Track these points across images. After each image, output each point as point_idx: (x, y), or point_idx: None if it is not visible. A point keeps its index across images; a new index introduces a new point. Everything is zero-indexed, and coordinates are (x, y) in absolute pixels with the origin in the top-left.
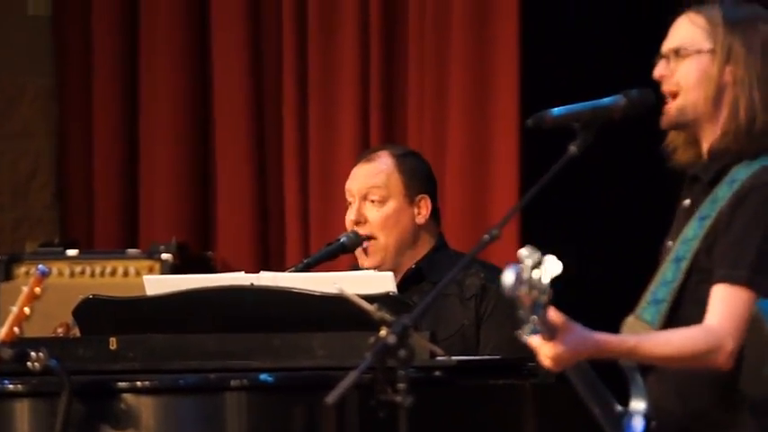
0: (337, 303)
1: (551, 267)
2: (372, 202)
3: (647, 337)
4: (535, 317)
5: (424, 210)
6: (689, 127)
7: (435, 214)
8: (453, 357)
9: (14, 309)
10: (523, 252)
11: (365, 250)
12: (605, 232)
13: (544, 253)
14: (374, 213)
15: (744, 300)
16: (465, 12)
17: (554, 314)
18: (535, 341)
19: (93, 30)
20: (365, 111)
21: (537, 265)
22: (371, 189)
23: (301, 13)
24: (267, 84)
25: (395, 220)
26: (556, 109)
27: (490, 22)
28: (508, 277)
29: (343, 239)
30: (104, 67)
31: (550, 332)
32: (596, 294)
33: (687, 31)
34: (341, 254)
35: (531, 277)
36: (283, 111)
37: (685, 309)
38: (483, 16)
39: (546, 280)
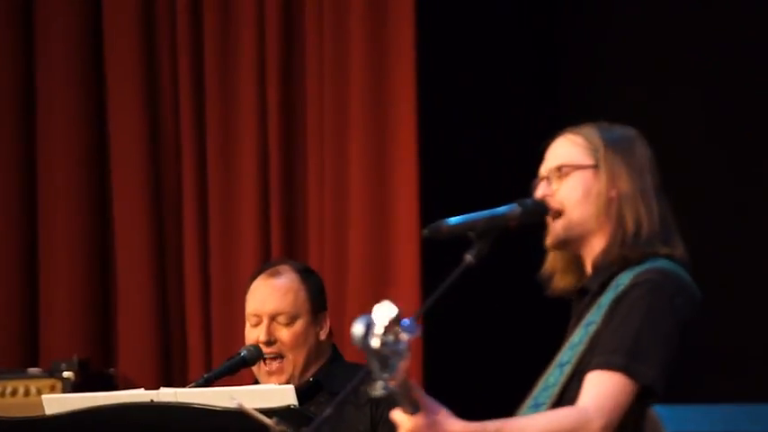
0: (237, 418)
1: (408, 330)
2: (281, 322)
3: (511, 419)
4: (387, 375)
5: (325, 326)
6: (574, 243)
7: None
8: None
9: None
10: (378, 307)
11: (271, 371)
12: (503, 340)
13: (401, 313)
14: (284, 333)
15: (617, 384)
16: (363, 106)
17: (421, 395)
18: (398, 415)
19: None
20: (266, 223)
21: (393, 323)
22: (282, 311)
23: (199, 108)
24: (166, 174)
25: (303, 338)
26: (452, 218)
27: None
28: (358, 329)
29: (243, 353)
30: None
31: (413, 407)
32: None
33: (567, 149)
34: (242, 368)
35: (385, 334)
36: (183, 215)
37: None
38: (382, 112)
39: (402, 342)
